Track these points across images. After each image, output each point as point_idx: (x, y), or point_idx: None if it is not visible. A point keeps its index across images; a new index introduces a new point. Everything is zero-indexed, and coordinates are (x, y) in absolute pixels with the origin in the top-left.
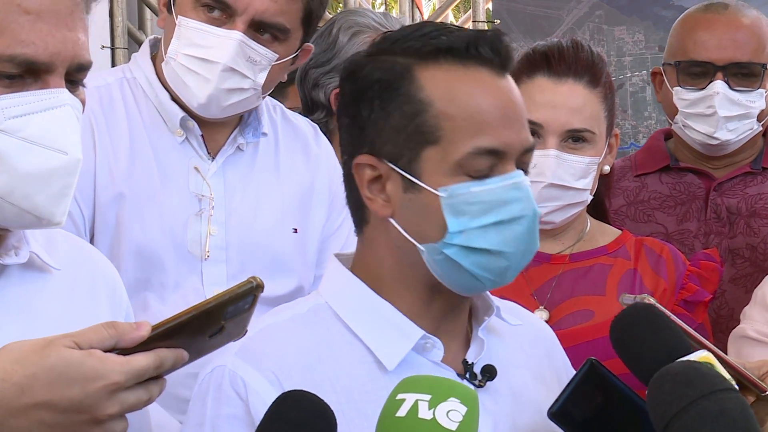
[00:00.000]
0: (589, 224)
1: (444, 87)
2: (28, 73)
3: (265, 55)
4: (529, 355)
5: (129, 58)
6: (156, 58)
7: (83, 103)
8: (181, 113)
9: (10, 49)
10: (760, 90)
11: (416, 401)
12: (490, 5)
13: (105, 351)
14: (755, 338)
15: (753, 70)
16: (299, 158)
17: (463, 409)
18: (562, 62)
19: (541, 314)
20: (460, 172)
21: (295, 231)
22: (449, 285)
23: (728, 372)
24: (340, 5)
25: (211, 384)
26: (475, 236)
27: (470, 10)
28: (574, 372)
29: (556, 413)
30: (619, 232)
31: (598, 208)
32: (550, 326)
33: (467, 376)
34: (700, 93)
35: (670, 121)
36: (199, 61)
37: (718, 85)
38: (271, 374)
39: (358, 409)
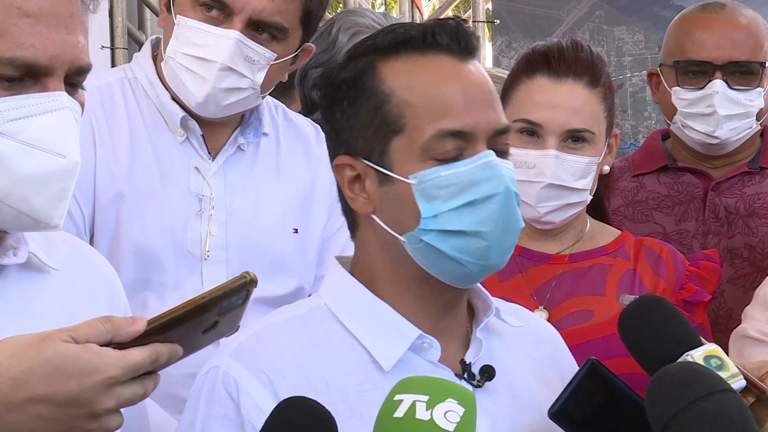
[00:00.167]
0: (588, 224)
1: (404, 76)
2: (27, 76)
3: (263, 55)
4: (532, 356)
5: (129, 58)
6: (157, 57)
7: (82, 105)
8: (181, 113)
9: (10, 52)
10: (758, 89)
11: (414, 402)
12: (490, 5)
13: (101, 345)
14: (756, 338)
15: (751, 68)
16: (300, 159)
17: (461, 410)
18: (562, 62)
19: (541, 314)
20: (427, 158)
21: (296, 231)
22: (437, 274)
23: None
24: (340, 5)
25: (205, 385)
26: (449, 219)
27: (470, 10)
28: None
29: (556, 413)
30: (619, 232)
31: (597, 209)
32: None
33: (465, 376)
34: (700, 92)
35: (669, 122)
36: (196, 60)
37: (718, 84)
38: (263, 375)
39: (352, 409)
